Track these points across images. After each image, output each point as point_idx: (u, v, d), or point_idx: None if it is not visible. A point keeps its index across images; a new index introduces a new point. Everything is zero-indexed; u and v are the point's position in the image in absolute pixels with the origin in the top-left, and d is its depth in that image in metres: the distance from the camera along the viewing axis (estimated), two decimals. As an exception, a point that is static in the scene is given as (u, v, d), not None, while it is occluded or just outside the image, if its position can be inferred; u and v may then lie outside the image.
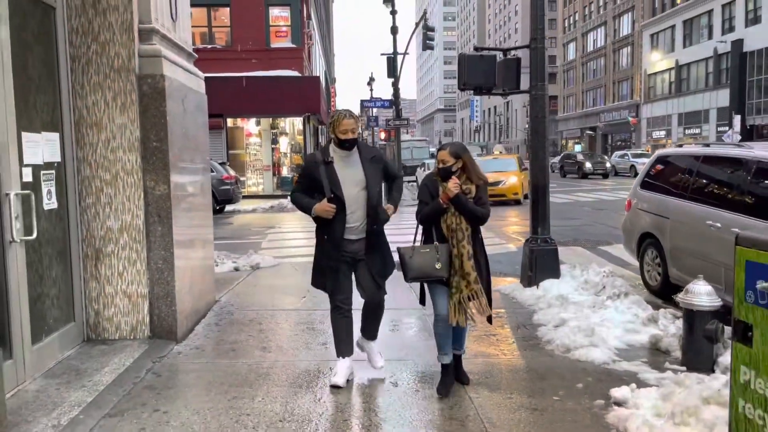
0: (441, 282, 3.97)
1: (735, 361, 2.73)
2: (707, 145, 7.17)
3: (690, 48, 46.47)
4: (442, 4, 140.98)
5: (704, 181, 6.35)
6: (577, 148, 64.60)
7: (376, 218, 4.05)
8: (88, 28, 4.77)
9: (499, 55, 7.29)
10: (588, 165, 36.18)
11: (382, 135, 37.95)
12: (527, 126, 32.89)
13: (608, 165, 36.55)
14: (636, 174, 21.43)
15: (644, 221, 7.20)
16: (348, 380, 4.18)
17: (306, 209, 4.06)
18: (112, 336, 4.94)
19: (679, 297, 4.65)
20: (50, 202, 4.42)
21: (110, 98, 4.83)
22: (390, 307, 4.63)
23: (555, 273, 6.84)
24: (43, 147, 4.32)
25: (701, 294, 4.48)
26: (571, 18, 71.60)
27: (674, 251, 6.51)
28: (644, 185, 7.44)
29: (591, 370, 4.46)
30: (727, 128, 37.54)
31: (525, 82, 6.94)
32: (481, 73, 6.94)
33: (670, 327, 5.17)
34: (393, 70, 25.87)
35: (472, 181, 4.00)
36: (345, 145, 4.01)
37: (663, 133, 50.49)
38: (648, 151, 40.44)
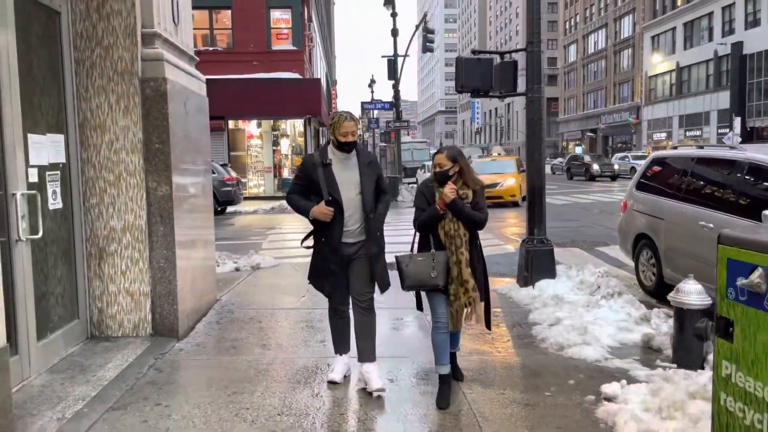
0: (438, 290, 3.92)
1: (717, 356, 2.82)
2: (701, 147, 7.27)
3: (690, 50, 46.59)
4: (443, 6, 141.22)
5: (697, 182, 6.45)
6: (578, 149, 64.75)
7: (369, 223, 3.99)
8: (92, 32, 4.88)
9: (497, 59, 7.40)
10: (596, 167, 35.38)
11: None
12: (527, 128, 32.72)
13: (616, 167, 35.67)
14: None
15: (639, 222, 7.30)
16: (345, 376, 4.28)
17: (303, 212, 4.02)
18: (115, 333, 5.04)
19: (671, 296, 4.75)
20: (55, 202, 4.53)
21: (114, 101, 4.94)
22: (390, 306, 4.71)
23: (551, 273, 6.93)
24: (48, 148, 4.43)
25: (691, 293, 4.57)
26: (572, 20, 71.74)
27: (668, 252, 6.61)
28: (639, 186, 7.54)
29: (583, 367, 4.56)
30: (727, 130, 37.62)
31: (524, 85, 7.04)
32: (478, 76, 7.05)
33: (662, 326, 5.27)
34: (393, 73, 26.00)
35: (468, 185, 3.96)
36: (344, 147, 3.98)
37: (664, 135, 50.60)
38: (649, 153, 40.46)
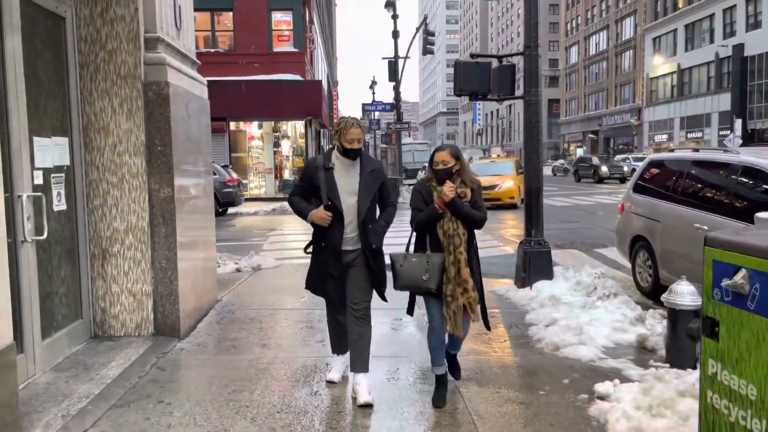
0: (431, 293, 3.90)
1: (704, 355, 2.89)
2: (696, 150, 7.34)
3: (692, 52, 46.65)
4: (444, 7, 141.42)
5: (693, 184, 6.53)
6: (579, 151, 64.81)
7: (364, 233, 3.93)
8: (96, 37, 4.97)
9: (495, 62, 7.49)
10: (604, 169, 34.81)
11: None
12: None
13: (626, 169, 34.64)
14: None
15: (636, 224, 7.37)
16: (343, 376, 4.35)
17: (302, 214, 4.01)
18: (118, 333, 5.13)
19: (664, 297, 4.82)
20: (60, 204, 4.62)
21: (117, 104, 5.03)
22: (390, 306, 4.76)
23: (548, 274, 7.01)
24: (53, 151, 4.52)
25: (684, 294, 4.64)
26: (574, 21, 71.82)
27: (664, 254, 6.68)
28: (636, 189, 7.61)
29: (578, 366, 4.64)
30: (728, 132, 37.67)
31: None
32: (476, 79, 7.14)
33: (657, 326, 5.34)
34: (394, 74, 26.09)
35: (466, 184, 3.92)
36: (350, 154, 3.92)
37: (665, 136, 50.65)
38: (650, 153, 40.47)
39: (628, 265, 7.78)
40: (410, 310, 4.27)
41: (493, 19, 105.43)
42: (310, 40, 27.84)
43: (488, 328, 4.22)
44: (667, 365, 4.55)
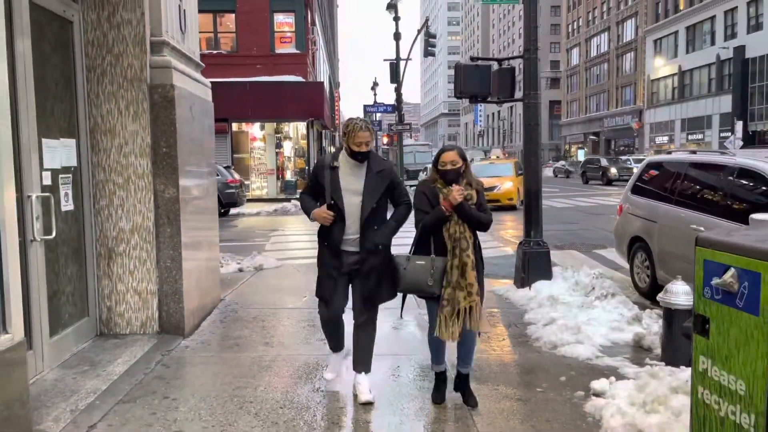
0: (433, 297, 3.84)
1: (695, 352, 2.98)
2: (694, 152, 7.42)
3: (693, 54, 46.72)
4: (446, 9, 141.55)
5: (690, 186, 6.61)
6: (580, 153, 64.85)
7: (367, 234, 3.88)
8: (103, 40, 5.07)
9: (495, 65, 7.58)
10: (613, 170, 34.05)
11: (385, 139, 38.22)
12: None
13: (635, 170, 34.25)
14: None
15: (634, 225, 7.45)
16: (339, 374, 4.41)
17: (306, 212, 4.03)
18: (123, 331, 5.22)
19: (660, 296, 4.91)
20: (67, 204, 4.71)
21: (123, 107, 5.13)
22: (389, 306, 4.83)
23: (547, 275, 7.09)
24: (61, 152, 4.61)
25: (680, 293, 4.72)
26: (575, 23, 71.90)
27: (662, 254, 6.76)
28: (635, 190, 7.70)
29: (575, 365, 4.72)
30: (729, 134, 37.72)
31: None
32: (476, 82, 7.23)
33: (653, 326, 5.42)
34: (396, 76, 26.21)
35: (471, 186, 3.86)
36: (357, 156, 3.89)
37: (666, 138, 50.71)
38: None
39: (627, 265, 7.86)
40: (401, 313, 4.27)
41: (495, 21, 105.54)
42: (312, 42, 27.96)
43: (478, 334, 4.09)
44: (662, 363, 4.63)
